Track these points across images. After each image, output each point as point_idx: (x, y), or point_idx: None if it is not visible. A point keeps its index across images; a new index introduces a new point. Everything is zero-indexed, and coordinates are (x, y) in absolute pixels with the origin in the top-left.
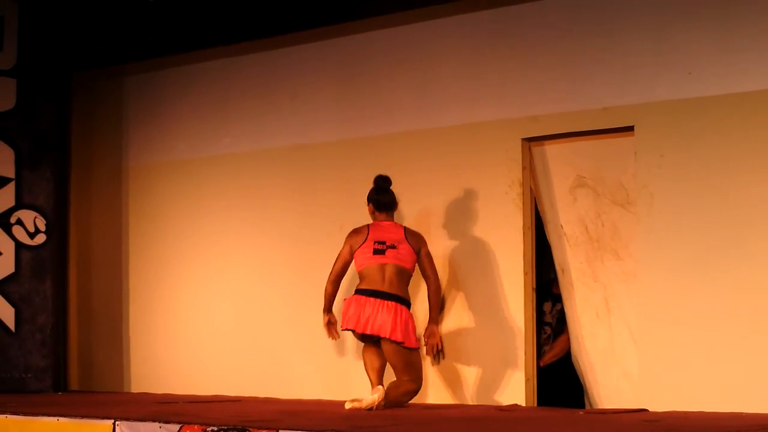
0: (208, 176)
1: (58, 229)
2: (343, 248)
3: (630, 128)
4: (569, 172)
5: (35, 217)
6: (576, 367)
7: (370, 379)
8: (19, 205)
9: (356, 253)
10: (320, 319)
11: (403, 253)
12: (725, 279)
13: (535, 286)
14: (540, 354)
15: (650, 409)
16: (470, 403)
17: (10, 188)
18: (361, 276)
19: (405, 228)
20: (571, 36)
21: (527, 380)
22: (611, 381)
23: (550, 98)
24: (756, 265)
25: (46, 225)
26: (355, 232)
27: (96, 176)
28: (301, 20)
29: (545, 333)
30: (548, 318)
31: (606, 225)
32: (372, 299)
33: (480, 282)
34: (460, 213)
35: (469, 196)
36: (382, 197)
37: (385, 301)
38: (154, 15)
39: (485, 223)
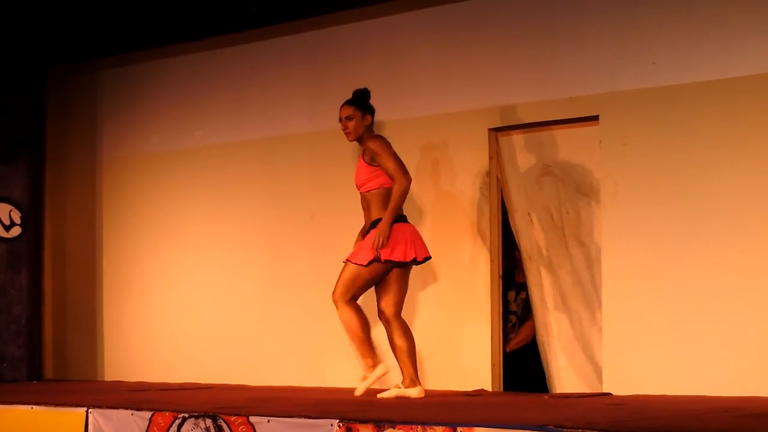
0: (181, 168)
1: (33, 221)
2: None
3: (595, 118)
4: (535, 161)
5: (10, 210)
6: (541, 352)
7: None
8: None
9: None
10: (291, 306)
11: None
12: (687, 266)
13: (501, 274)
14: (506, 340)
15: (614, 393)
16: (438, 388)
17: None
18: None
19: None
20: (536, 28)
21: (493, 366)
22: (577, 366)
23: (516, 89)
24: (717, 252)
25: (21, 218)
26: None
27: (71, 169)
28: (271, 14)
29: (510, 321)
30: (513, 306)
31: (571, 213)
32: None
33: (448, 270)
34: (428, 202)
35: (436, 185)
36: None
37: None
38: (126, 10)
39: (453, 212)
